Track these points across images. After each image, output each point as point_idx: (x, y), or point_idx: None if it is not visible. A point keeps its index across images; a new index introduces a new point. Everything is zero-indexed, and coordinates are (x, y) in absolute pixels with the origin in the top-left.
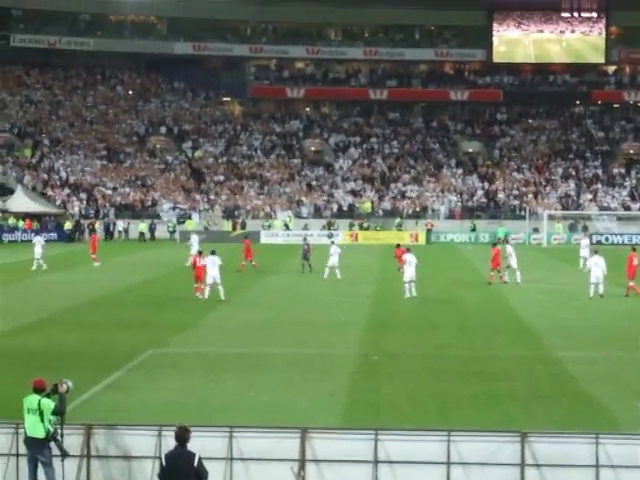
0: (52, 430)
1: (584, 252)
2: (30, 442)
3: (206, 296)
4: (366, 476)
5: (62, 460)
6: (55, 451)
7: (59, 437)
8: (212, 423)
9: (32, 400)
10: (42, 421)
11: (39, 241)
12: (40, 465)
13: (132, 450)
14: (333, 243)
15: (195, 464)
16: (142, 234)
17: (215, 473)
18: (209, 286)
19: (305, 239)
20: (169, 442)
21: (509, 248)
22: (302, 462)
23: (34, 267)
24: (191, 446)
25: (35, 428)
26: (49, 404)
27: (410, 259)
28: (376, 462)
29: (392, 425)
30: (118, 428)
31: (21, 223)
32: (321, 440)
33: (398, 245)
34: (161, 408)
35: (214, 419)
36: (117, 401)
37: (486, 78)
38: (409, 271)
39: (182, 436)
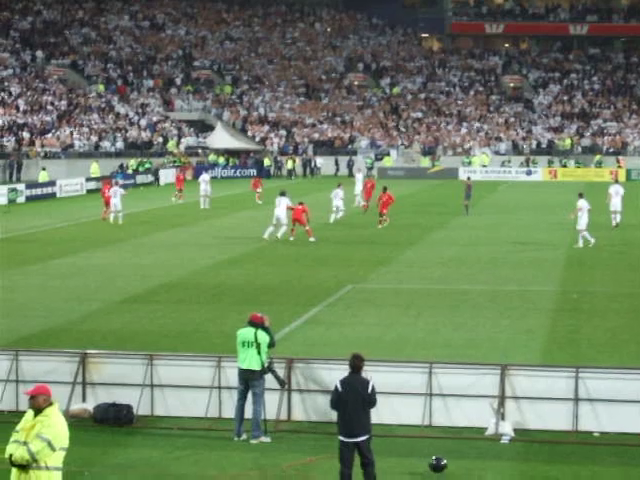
0: (267, 362)
1: None
2: (246, 374)
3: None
4: (566, 413)
5: (281, 389)
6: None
7: (274, 368)
8: (411, 359)
9: (248, 333)
10: (259, 353)
11: (206, 178)
12: (251, 396)
13: (331, 384)
14: (359, 170)
15: (369, 390)
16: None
17: (415, 408)
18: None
19: (468, 178)
20: (368, 376)
21: None
22: (502, 398)
23: (202, 205)
24: (391, 381)
25: (251, 360)
26: (265, 337)
27: (583, 205)
28: (577, 399)
29: (592, 363)
30: (318, 362)
31: (221, 159)
32: (521, 377)
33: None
34: (360, 343)
35: (412, 354)
36: (316, 335)
37: None
38: (584, 218)
39: (356, 364)
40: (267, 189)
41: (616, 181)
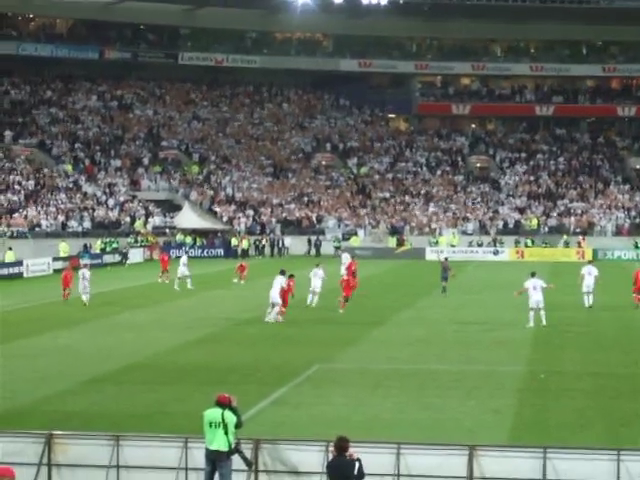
0: (234, 443)
1: None
2: (213, 454)
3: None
4: None
5: (249, 470)
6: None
7: (241, 449)
8: (378, 439)
9: (215, 414)
10: (226, 434)
11: (183, 260)
12: (218, 477)
13: (299, 465)
14: (343, 251)
15: (355, 471)
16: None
17: None
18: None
19: (446, 258)
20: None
21: None
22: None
23: (176, 287)
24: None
25: (218, 441)
26: (232, 417)
27: (534, 284)
28: None
29: (560, 444)
30: (285, 443)
31: (188, 239)
32: (489, 458)
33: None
34: (328, 423)
35: (380, 435)
36: (284, 416)
37: None
38: (534, 296)
39: (341, 445)
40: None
41: (590, 262)
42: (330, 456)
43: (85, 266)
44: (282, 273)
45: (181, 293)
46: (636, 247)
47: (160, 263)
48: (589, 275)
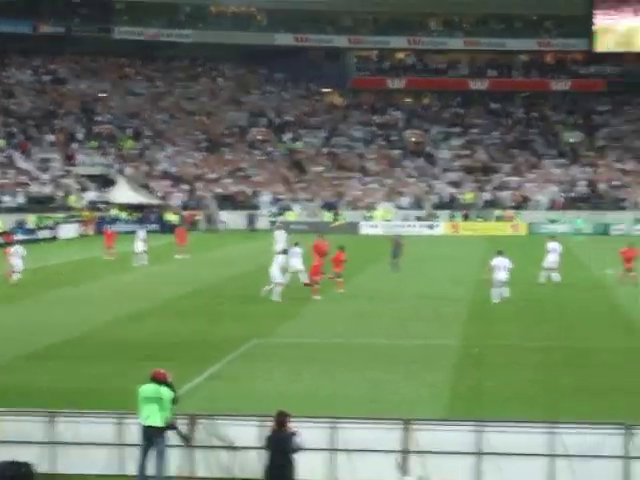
0: (170, 419)
1: None
2: (148, 431)
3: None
4: (470, 468)
5: (186, 445)
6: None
7: (177, 425)
8: (315, 414)
9: (150, 389)
10: (161, 410)
11: (140, 236)
12: (153, 453)
13: (235, 440)
14: (279, 227)
15: (293, 444)
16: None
17: (318, 464)
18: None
19: (398, 235)
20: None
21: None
22: (405, 453)
23: (134, 263)
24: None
25: (154, 417)
26: (169, 393)
27: (499, 263)
28: (480, 454)
29: (494, 417)
30: (221, 418)
31: (123, 214)
32: (424, 432)
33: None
34: (264, 398)
35: (317, 410)
36: (220, 391)
37: (589, 68)
38: (499, 275)
39: (280, 419)
40: (168, 244)
41: (553, 237)
42: (268, 430)
43: (17, 242)
44: (296, 244)
45: (114, 267)
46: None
47: (105, 238)
48: (554, 252)
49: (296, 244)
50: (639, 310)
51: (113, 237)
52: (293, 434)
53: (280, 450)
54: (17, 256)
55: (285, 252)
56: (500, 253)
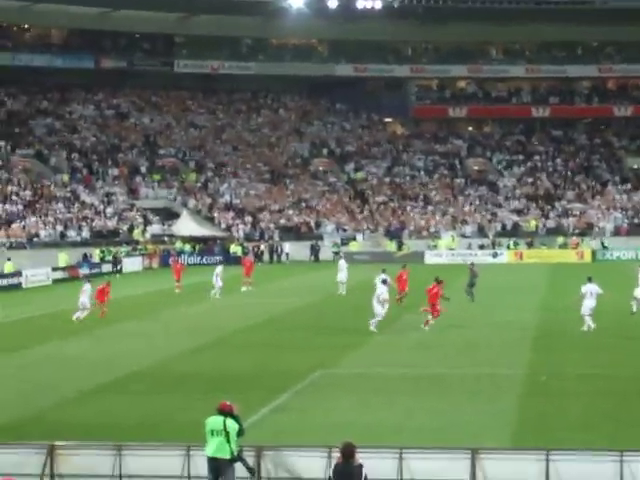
0: (237, 450)
1: None
2: (215, 463)
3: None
4: None
5: (252, 477)
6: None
7: (244, 456)
8: (382, 444)
9: (217, 421)
10: (228, 442)
11: (217, 271)
12: None
13: (302, 472)
14: (341, 257)
15: (361, 478)
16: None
17: None
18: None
19: (472, 264)
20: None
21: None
22: None
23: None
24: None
25: (221, 449)
26: (234, 425)
27: (590, 289)
28: None
29: (562, 446)
30: (288, 449)
31: (187, 247)
32: (492, 461)
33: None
34: (330, 429)
35: (384, 440)
36: (286, 423)
37: None
38: (588, 303)
39: (347, 451)
40: (234, 276)
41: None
42: (334, 462)
43: (85, 277)
44: (384, 282)
45: (181, 301)
46: None
47: (173, 272)
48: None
49: (383, 271)
50: None
51: (182, 270)
52: (361, 466)
53: None
54: (86, 295)
55: (385, 282)
56: (590, 280)
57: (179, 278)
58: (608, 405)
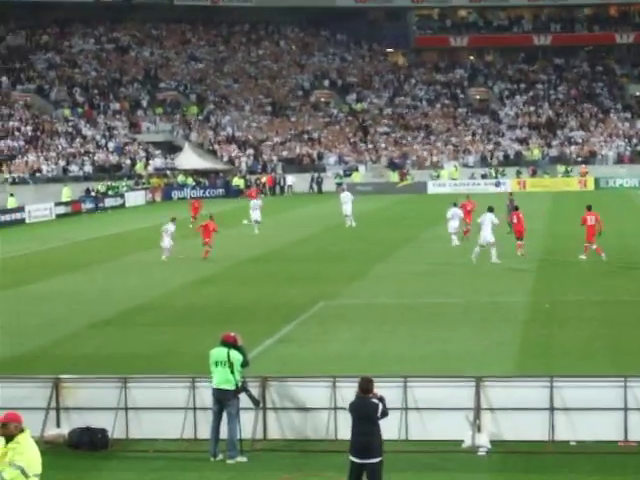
0: (241, 381)
1: None
2: (219, 394)
3: None
4: (542, 423)
5: (256, 408)
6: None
7: (248, 387)
8: (386, 373)
9: (221, 353)
10: (232, 373)
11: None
12: (225, 416)
13: (307, 402)
14: (344, 189)
15: (379, 413)
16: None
17: (390, 422)
18: None
19: (511, 194)
20: (343, 393)
21: None
22: (477, 410)
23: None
24: None
25: (225, 380)
26: (238, 356)
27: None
28: (552, 409)
29: (566, 372)
30: (292, 380)
31: (190, 180)
32: (496, 388)
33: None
34: (334, 360)
35: (387, 369)
36: (290, 353)
37: None
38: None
39: (365, 386)
40: (235, 208)
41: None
42: (337, 392)
43: (172, 219)
44: (490, 210)
45: (181, 232)
46: None
47: (190, 209)
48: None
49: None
50: None
51: (199, 208)
52: (381, 399)
53: (366, 418)
54: (168, 235)
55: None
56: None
57: (196, 214)
58: (610, 332)
